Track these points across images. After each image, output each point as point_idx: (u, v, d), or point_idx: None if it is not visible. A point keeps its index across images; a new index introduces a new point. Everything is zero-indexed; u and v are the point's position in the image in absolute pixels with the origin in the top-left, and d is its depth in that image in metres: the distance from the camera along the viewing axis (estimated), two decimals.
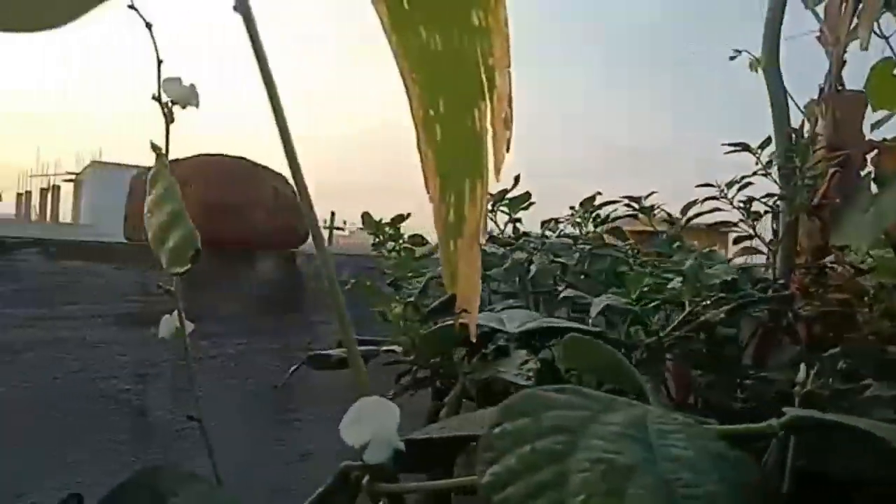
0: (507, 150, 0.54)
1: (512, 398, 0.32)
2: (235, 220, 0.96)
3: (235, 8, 0.36)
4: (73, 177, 14.55)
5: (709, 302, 0.61)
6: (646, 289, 0.63)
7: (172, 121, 0.70)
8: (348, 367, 0.67)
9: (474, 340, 0.53)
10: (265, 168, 1.05)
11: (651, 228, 1.19)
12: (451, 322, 0.56)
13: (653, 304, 0.61)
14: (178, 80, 0.67)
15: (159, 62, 0.67)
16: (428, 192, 0.56)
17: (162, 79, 0.67)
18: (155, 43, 0.66)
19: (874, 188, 1.22)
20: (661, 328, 0.61)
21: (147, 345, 0.92)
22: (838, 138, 1.24)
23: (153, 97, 0.68)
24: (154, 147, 0.70)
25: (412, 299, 0.60)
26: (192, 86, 0.68)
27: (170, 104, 0.69)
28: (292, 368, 0.68)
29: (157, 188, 0.69)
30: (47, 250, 0.85)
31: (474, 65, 0.51)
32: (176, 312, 0.70)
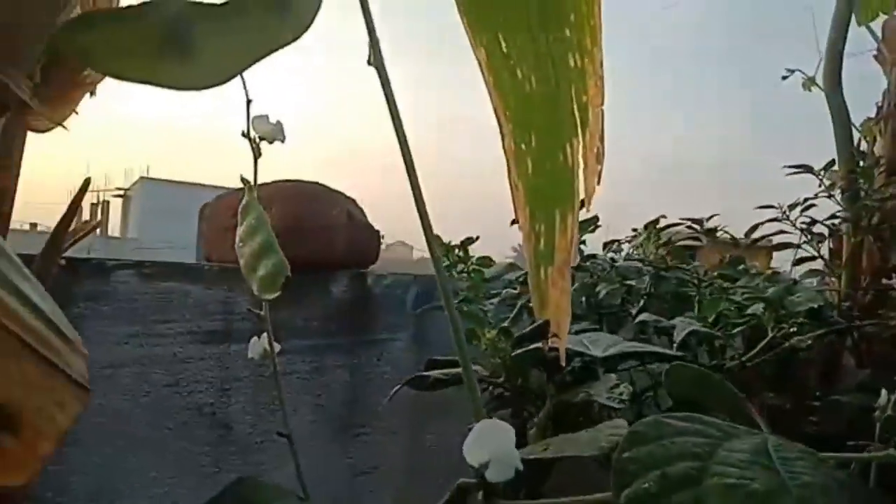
0: (598, 182, 0.56)
1: (636, 425, 0.34)
2: (312, 242, 1.01)
3: (370, 62, 0.40)
4: (122, 192, 15.06)
5: (794, 329, 0.63)
6: (722, 313, 0.65)
7: (260, 155, 0.75)
8: (444, 388, 0.70)
9: (564, 364, 0.56)
10: (338, 192, 1.10)
11: (695, 242, 1.20)
12: (538, 346, 0.59)
13: (736, 329, 0.63)
14: (266, 117, 0.72)
15: (248, 101, 0.72)
16: (517, 222, 0.60)
17: (251, 117, 0.71)
18: (244, 82, 0.71)
19: None
20: (742, 353, 0.63)
21: (230, 361, 0.96)
22: None
23: (242, 134, 0.73)
24: (244, 180, 0.75)
25: (506, 325, 0.63)
26: (279, 122, 0.72)
27: (257, 139, 0.74)
28: (395, 389, 0.72)
29: (248, 219, 0.74)
30: (142, 272, 0.90)
31: (568, 103, 0.54)
32: (265, 334, 0.74)
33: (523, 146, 0.57)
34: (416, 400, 1.13)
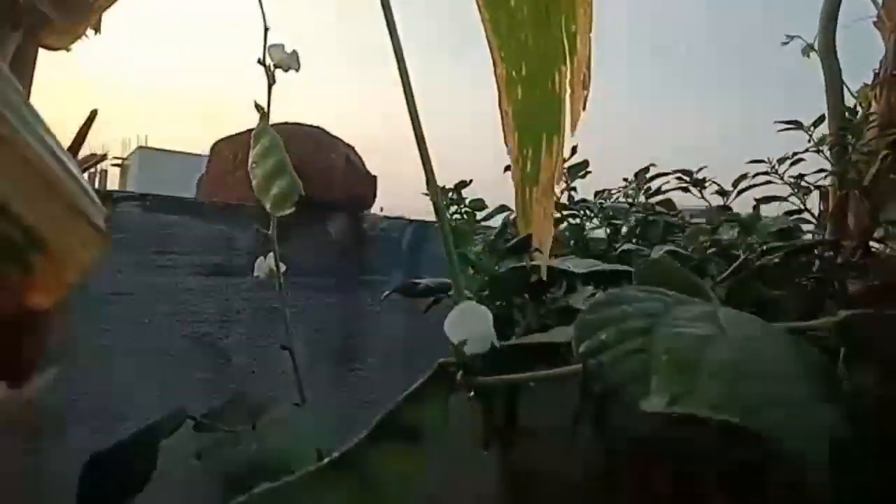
0: (584, 108, 0.59)
1: (599, 295, 0.38)
2: (312, 182, 1.04)
3: None
4: (119, 161, 15.02)
5: (764, 248, 0.66)
6: (703, 244, 0.68)
7: (274, 82, 0.77)
8: (432, 295, 0.74)
9: (545, 279, 0.59)
10: (337, 138, 1.13)
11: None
12: (522, 265, 0.62)
13: (709, 250, 0.66)
14: (282, 46, 0.74)
15: (266, 29, 0.74)
16: (506, 146, 0.62)
17: (267, 45, 0.74)
18: (263, 9, 0.74)
19: None
20: (714, 275, 0.66)
21: (230, 294, 1.00)
22: (893, 120, 1.26)
23: (258, 61, 0.76)
24: (258, 107, 0.77)
25: (491, 238, 0.66)
26: (294, 51, 0.75)
27: (272, 67, 0.76)
28: (385, 293, 0.75)
29: (261, 142, 0.77)
30: (145, 204, 0.94)
31: (558, 31, 0.57)
32: (271, 254, 0.78)
33: (514, 73, 0.59)
34: (409, 338, 1.17)
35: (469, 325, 0.42)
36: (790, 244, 0.67)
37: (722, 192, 1.04)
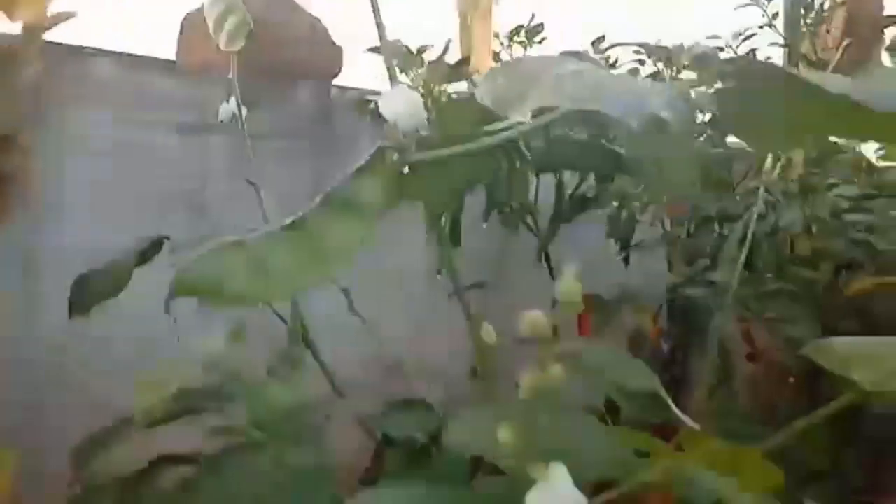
0: None
1: None
2: (275, 49, 1.06)
3: None
4: None
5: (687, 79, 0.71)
6: None
7: None
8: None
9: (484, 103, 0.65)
10: (302, 7, 1.14)
11: None
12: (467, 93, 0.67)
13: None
14: None
15: None
16: None
17: None
18: None
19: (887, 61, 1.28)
20: None
21: (206, 152, 1.04)
22: (857, 7, 1.29)
23: None
24: None
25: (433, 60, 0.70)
26: None
27: None
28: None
29: None
30: (120, 62, 0.97)
31: None
32: (233, 98, 0.82)
33: None
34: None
35: (401, 104, 0.47)
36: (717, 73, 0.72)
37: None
